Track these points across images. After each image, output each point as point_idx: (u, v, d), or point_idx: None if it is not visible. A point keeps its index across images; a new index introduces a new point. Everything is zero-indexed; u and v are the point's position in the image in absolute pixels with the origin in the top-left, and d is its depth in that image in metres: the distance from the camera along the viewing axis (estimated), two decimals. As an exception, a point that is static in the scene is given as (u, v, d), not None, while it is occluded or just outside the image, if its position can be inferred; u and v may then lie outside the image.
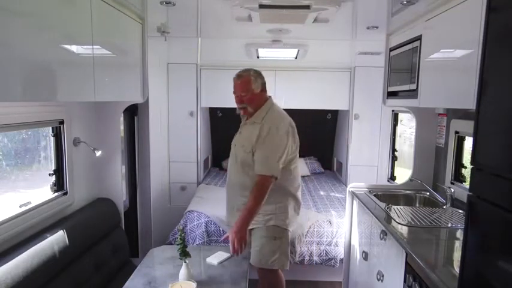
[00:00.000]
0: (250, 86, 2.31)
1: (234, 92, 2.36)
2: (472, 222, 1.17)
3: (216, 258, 2.22)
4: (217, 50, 4.08)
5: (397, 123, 3.99)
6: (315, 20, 2.86)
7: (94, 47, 1.93)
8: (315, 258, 3.22)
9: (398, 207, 2.44)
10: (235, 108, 2.56)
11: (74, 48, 1.79)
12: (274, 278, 2.49)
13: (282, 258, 2.42)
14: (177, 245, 1.86)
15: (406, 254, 1.80)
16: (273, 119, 2.33)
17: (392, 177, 3.95)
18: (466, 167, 2.57)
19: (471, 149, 1.17)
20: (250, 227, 2.32)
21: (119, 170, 2.74)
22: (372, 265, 2.43)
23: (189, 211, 3.42)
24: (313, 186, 4.47)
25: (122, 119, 2.88)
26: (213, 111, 5.32)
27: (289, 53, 4.10)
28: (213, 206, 3.44)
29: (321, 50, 3.99)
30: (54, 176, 2.25)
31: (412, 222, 2.14)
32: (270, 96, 2.45)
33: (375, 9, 2.82)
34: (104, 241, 2.44)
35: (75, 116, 2.37)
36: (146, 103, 2.96)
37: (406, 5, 2.52)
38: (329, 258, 3.23)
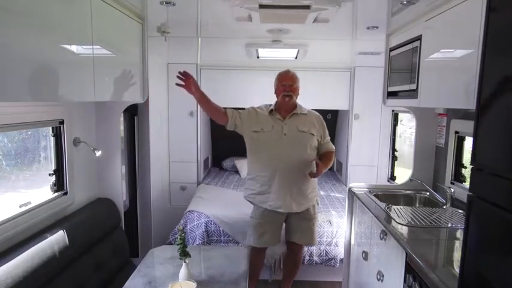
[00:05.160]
0: (297, 80, 2.70)
1: (283, 83, 2.66)
2: (472, 222, 1.17)
3: None
4: (217, 50, 4.07)
5: (397, 123, 3.99)
6: (315, 20, 2.85)
7: (94, 47, 1.93)
8: (315, 258, 3.22)
9: (398, 207, 2.44)
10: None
11: (74, 48, 1.79)
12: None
13: None
14: (177, 245, 1.86)
15: (406, 254, 1.80)
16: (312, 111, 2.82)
17: (392, 177, 3.95)
18: (466, 167, 2.57)
19: (471, 149, 1.17)
20: (302, 209, 2.68)
21: (119, 170, 2.74)
22: (372, 265, 2.43)
23: (189, 211, 3.41)
24: (313, 186, 4.46)
25: (122, 119, 2.88)
26: None
27: (289, 53, 4.08)
28: (213, 206, 3.44)
29: (321, 50, 3.98)
30: (54, 176, 2.25)
31: (412, 222, 2.14)
32: None
33: (375, 9, 2.81)
34: (104, 241, 2.43)
35: (75, 116, 2.37)
36: (146, 103, 2.96)
37: (406, 5, 2.51)
38: (329, 258, 3.23)
